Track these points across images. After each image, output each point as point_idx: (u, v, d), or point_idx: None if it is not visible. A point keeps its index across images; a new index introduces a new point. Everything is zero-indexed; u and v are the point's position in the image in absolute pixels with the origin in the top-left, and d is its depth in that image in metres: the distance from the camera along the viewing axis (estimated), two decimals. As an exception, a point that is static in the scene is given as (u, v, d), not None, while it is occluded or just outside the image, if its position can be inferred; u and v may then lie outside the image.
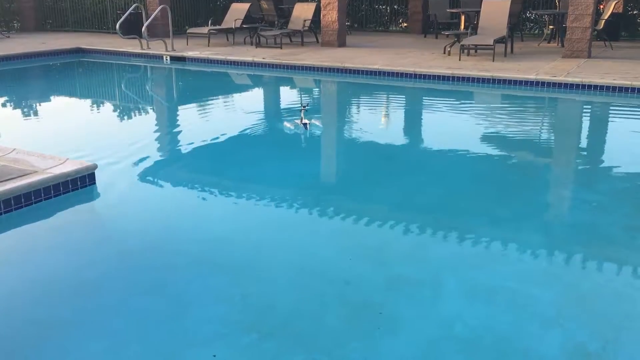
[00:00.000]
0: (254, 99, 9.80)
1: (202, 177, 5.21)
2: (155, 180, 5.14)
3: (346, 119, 7.95)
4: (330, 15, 12.44)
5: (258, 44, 12.75)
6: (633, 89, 8.17)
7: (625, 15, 13.83)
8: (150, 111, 8.63)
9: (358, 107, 8.84)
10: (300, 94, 10.22)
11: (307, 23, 12.94)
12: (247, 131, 6.87)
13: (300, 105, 6.79)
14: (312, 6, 13.10)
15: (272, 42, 12.82)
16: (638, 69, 9.25)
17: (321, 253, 3.71)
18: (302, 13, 13.08)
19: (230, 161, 5.76)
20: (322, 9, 12.48)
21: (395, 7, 17.05)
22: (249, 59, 11.18)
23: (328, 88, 10.36)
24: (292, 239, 3.93)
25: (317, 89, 10.42)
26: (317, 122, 6.76)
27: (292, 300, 3.15)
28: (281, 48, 12.35)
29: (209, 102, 9.03)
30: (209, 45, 12.93)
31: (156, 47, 12.45)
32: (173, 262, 3.60)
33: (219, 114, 8.14)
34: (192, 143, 6.34)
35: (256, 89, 10.83)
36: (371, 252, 3.72)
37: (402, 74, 9.75)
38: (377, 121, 7.64)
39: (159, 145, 6.50)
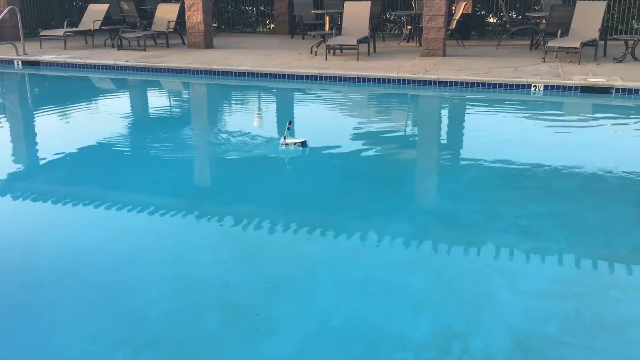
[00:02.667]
0: (115, 103, 9.36)
1: (61, 189, 4.90)
2: (9, 194, 4.76)
3: (215, 122, 7.85)
4: (195, 17, 12.22)
5: (120, 47, 12.22)
6: (483, 84, 8.85)
7: (475, 15, 14.91)
8: (1, 120, 7.97)
9: (228, 108, 8.77)
10: (169, 97, 9.95)
11: (172, 24, 12.61)
12: (109, 138, 6.55)
13: (287, 122, 5.90)
14: (175, 7, 12.78)
15: (136, 44, 12.34)
16: (487, 65, 10.01)
17: (196, 259, 3.64)
18: (165, 14, 12.72)
19: (91, 171, 5.47)
20: (186, 9, 12.22)
21: (261, 8, 17.10)
22: (110, 62, 10.68)
23: (195, 90, 10.17)
24: (165, 247, 3.82)
25: (185, 92, 10.19)
26: (298, 141, 5.85)
27: (167, 309, 3.06)
28: (145, 50, 11.94)
29: (67, 108, 8.50)
30: (65, 49, 12.17)
31: (5, 51, 11.52)
32: (35, 280, 3.36)
33: (78, 121, 7.70)
34: (49, 153, 5.94)
35: (119, 93, 10.37)
36: (247, 254, 3.72)
37: (271, 74, 9.81)
38: (247, 123, 7.62)
39: (12, 156, 6.02)
